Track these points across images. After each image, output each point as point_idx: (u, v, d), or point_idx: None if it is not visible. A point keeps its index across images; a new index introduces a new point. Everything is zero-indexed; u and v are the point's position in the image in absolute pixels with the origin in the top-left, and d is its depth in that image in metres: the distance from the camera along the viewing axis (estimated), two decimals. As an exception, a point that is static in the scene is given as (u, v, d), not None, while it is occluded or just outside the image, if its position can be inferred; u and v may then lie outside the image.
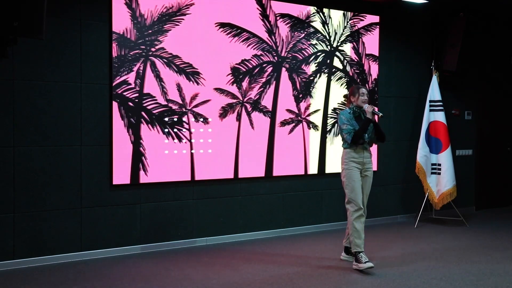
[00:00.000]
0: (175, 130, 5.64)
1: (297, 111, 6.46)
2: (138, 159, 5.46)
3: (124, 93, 5.36)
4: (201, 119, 5.77)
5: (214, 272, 4.84)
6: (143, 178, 5.48)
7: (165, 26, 5.54)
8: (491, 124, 8.43)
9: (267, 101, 6.23)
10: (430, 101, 7.20)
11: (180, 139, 5.67)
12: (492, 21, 8.08)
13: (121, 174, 5.38)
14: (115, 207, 5.40)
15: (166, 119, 5.59)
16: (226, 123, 5.97)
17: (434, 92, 7.19)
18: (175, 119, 5.64)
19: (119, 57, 5.31)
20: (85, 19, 5.18)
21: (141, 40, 5.43)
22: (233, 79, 5.98)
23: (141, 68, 5.42)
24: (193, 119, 5.73)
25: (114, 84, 5.30)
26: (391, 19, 7.22)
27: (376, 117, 5.09)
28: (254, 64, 6.12)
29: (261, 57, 6.16)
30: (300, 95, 6.47)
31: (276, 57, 6.27)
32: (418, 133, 7.25)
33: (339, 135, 5.06)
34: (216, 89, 5.88)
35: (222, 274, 4.80)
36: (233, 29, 5.98)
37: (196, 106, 5.75)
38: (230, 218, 6.07)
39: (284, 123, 6.37)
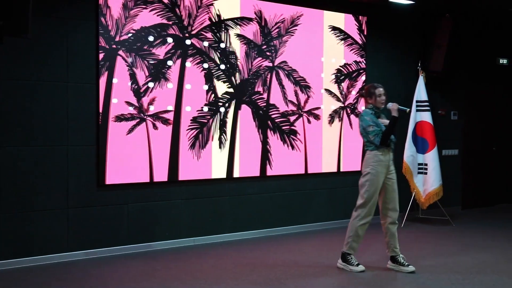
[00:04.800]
0: (293, 127, 6.54)
1: None
2: (266, 156, 6.33)
3: (256, 100, 6.24)
4: (313, 119, 6.71)
5: (202, 272, 4.85)
6: (269, 171, 6.34)
7: (283, 38, 6.41)
8: (477, 124, 8.51)
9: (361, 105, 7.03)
10: (417, 101, 7.24)
11: (294, 139, 6.56)
12: (478, 22, 8.15)
13: (251, 168, 6.21)
14: (102, 208, 5.38)
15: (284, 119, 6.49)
16: (332, 124, 6.89)
17: (420, 92, 7.23)
18: (293, 119, 6.55)
19: (253, 72, 6.19)
20: (72, 19, 5.15)
21: (265, 47, 6.26)
22: (336, 79, 6.89)
23: (269, 76, 6.31)
24: (306, 121, 6.63)
25: (248, 99, 6.17)
26: (379, 20, 7.26)
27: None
28: (353, 69, 7.03)
29: (359, 63, 7.04)
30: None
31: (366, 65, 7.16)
32: (405, 133, 7.29)
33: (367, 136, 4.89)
34: (326, 90, 6.80)
35: (210, 274, 4.81)
36: (341, 33, 6.90)
37: (308, 111, 6.66)
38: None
39: None
